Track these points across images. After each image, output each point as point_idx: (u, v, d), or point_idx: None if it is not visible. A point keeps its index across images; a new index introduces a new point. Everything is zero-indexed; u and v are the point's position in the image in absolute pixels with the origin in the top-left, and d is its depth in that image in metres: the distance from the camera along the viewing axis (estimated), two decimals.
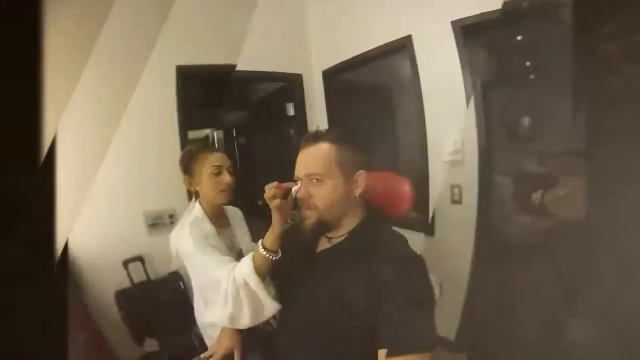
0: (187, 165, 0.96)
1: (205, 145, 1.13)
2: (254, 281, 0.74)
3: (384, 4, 1.52)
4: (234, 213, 1.08)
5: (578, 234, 1.20)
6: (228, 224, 1.03)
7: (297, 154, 0.75)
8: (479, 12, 1.22)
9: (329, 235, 0.75)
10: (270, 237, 0.75)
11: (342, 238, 0.74)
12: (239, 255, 0.90)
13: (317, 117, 1.98)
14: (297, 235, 0.76)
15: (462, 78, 1.33)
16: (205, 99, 1.80)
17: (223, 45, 1.63)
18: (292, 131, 2.10)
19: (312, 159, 0.71)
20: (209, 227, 0.91)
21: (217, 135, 1.88)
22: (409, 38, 1.43)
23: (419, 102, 1.49)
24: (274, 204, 0.72)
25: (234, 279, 0.75)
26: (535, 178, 1.41)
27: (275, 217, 0.73)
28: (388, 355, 0.58)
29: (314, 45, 1.87)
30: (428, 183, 1.51)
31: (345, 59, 1.73)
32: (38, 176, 0.39)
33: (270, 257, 0.74)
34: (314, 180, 0.70)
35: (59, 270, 0.50)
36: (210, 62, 1.63)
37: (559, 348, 1.04)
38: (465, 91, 1.34)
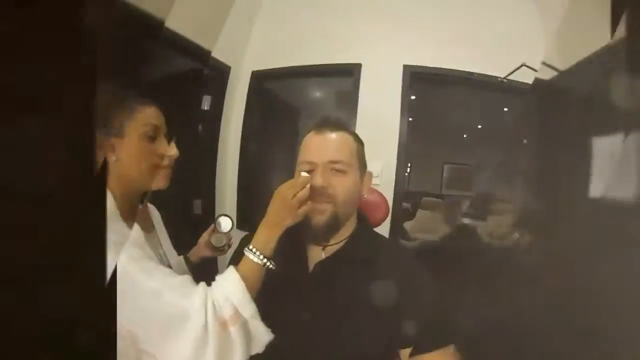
0: (110, 117, 0.52)
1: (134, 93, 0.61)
2: (250, 309, 0.51)
3: (342, 26, 1.54)
4: (155, 212, 0.71)
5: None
6: (152, 227, 0.67)
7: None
8: (432, 66, 1.39)
9: (324, 242, 0.65)
10: (267, 236, 0.56)
11: (339, 245, 0.65)
12: None
13: (232, 120, 1.78)
14: (286, 242, 0.59)
15: (399, 117, 1.44)
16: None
17: None
18: (200, 127, 1.78)
19: (338, 146, 0.63)
20: (137, 229, 0.55)
21: None
22: (358, 66, 1.49)
23: (353, 126, 1.54)
24: (305, 207, 0.58)
25: (214, 310, 0.48)
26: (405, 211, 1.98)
27: (287, 212, 0.57)
28: (413, 354, 0.57)
29: (254, 39, 1.70)
30: None
31: (283, 65, 1.65)
32: None
33: (268, 265, 0.55)
34: (335, 170, 0.62)
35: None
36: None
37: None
38: (400, 130, 1.45)
